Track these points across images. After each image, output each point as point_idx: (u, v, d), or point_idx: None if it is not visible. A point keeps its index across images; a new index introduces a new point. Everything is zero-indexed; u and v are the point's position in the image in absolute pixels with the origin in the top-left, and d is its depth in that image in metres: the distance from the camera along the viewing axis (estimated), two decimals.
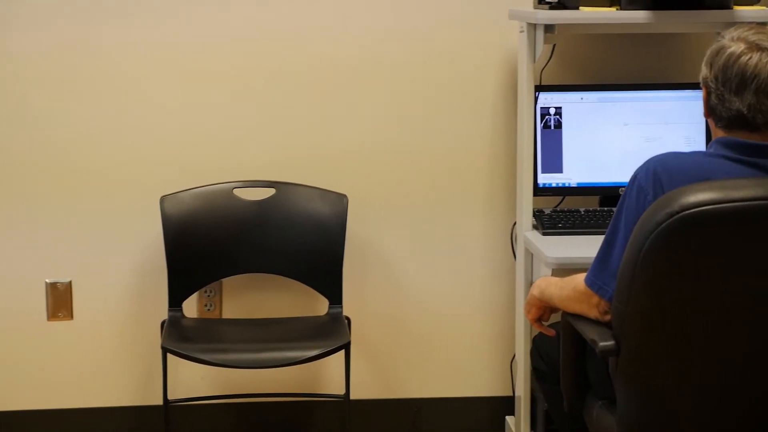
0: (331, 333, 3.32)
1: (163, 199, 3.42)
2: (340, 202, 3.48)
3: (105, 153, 3.50)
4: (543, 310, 2.66)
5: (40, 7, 3.42)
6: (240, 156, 3.54)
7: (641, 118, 3.40)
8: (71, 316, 3.57)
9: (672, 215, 2.14)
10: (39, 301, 3.55)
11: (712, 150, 2.38)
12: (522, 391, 3.42)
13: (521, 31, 3.29)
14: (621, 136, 3.41)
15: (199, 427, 3.65)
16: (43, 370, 3.58)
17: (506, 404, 3.66)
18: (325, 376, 3.67)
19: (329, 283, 3.48)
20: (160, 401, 3.33)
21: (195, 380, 3.61)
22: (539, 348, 2.93)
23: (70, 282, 3.56)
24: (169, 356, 3.23)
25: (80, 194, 3.51)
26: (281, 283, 3.57)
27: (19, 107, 3.46)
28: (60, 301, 3.56)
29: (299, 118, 3.55)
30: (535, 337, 2.99)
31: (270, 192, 3.50)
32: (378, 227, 3.62)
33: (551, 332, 2.70)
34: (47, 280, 3.55)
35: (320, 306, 3.55)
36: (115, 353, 3.60)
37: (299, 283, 3.52)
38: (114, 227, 3.53)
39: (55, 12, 3.42)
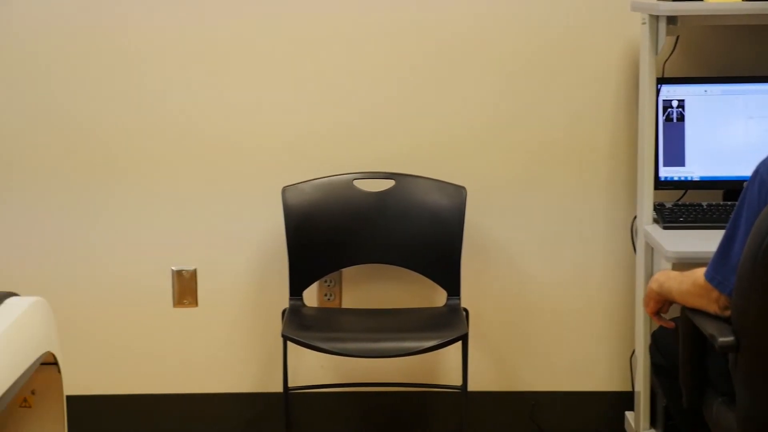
0: (449, 324, 3.34)
1: (284, 190, 3.48)
2: (458, 194, 3.49)
3: (229, 145, 3.57)
4: (662, 304, 2.64)
5: None
6: (360, 147, 3.57)
7: (766, 111, 3.34)
8: (196, 303, 3.66)
9: None
10: (165, 289, 3.64)
11: None
12: (641, 387, 3.39)
13: (643, 23, 3.26)
14: (745, 129, 3.35)
15: (317, 414, 3.70)
16: (168, 356, 3.68)
17: (625, 399, 3.63)
18: (443, 368, 3.69)
19: (447, 274, 3.50)
20: (280, 388, 3.39)
21: (314, 368, 3.66)
22: (658, 343, 2.91)
23: (195, 270, 3.64)
24: (290, 344, 3.29)
25: (205, 185, 3.59)
26: (400, 274, 3.60)
27: (146, 97, 3.55)
28: (185, 288, 3.64)
29: (418, 109, 3.57)
30: (655, 332, 2.96)
31: (389, 183, 3.54)
32: (496, 218, 3.62)
33: (671, 324, 2.67)
34: (173, 268, 3.64)
35: (438, 297, 3.57)
36: (237, 340, 3.68)
37: (418, 274, 3.54)
38: (237, 217, 3.61)
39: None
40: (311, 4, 3.52)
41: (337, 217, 3.51)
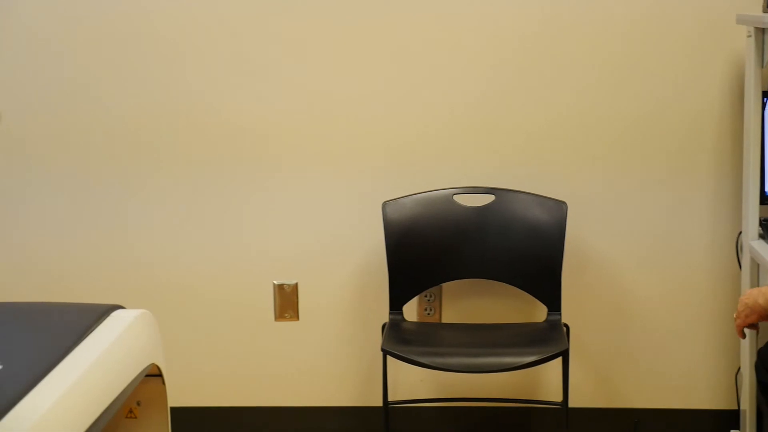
0: (550, 340, 3.32)
1: (385, 205, 3.50)
2: (559, 209, 3.47)
3: (330, 160, 3.60)
4: (762, 319, 2.59)
5: None
6: (460, 162, 3.58)
7: None
8: (297, 317, 3.69)
9: None
10: (267, 302, 3.68)
11: None
12: (747, 405, 3.33)
13: (749, 36, 3.21)
14: None
15: (417, 429, 3.70)
16: (269, 369, 3.71)
17: (731, 418, 3.57)
18: (543, 383, 3.66)
19: (548, 289, 3.48)
20: (380, 402, 3.40)
21: (414, 383, 3.67)
22: (765, 361, 2.85)
23: (297, 284, 3.68)
24: (389, 358, 3.30)
25: (307, 200, 3.62)
26: (500, 289, 3.59)
27: (248, 112, 3.60)
28: (287, 302, 3.68)
29: (518, 123, 3.56)
30: (761, 349, 2.91)
31: (489, 198, 3.53)
32: (597, 233, 3.59)
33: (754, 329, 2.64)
34: (275, 282, 3.68)
35: (539, 312, 3.55)
36: (337, 354, 3.70)
37: (518, 289, 3.53)
38: (338, 231, 3.63)
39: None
40: (411, 24, 3.53)
41: (437, 232, 3.52)
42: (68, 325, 2.30)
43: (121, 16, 3.53)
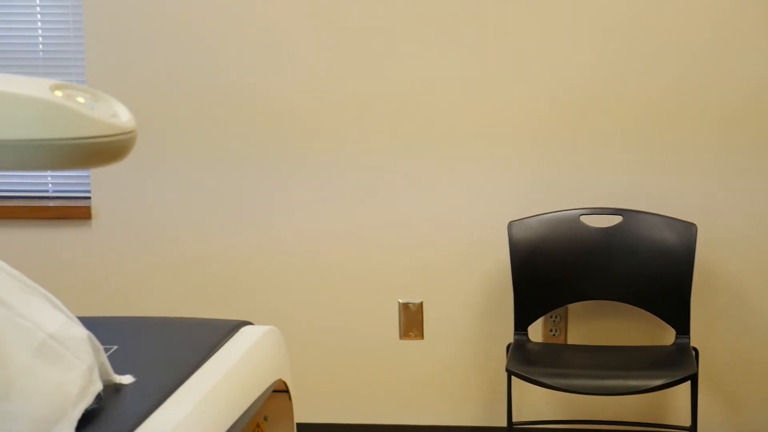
0: (678, 363, 3.27)
1: (510, 225, 3.49)
2: (688, 231, 3.41)
3: (456, 180, 3.61)
4: None
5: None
6: (587, 183, 3.55)
7: None
8: (422, 336, 3.70)
9: None
10: (392, 321, 3.71)
11: None
12: None
13: None
14: None
15: None
16: (394, 387, 3.73)
17: None
18: (670, 407, 3.60)
19: (676, 312, 3.42)
20: (504, 423, 3.39)
21: (539, 404, 3.65)
22: None
23: (422, 303, 3.69)
24: (514, 379, 3.29)
25: (432, 219, 3.63)
26: (627, 311, 3.55)
27: (379, 125, 3.63)
28: (412, 320, 3.70)
29: (646, 144, 3.52)
30: None
31: (617, 219, 3.49)
32: (726, 254, 3.52)
33: None
34: (400, 301, 3.70)
35: (666, 335, 3.50)
36: (461, 373, 3.70)
37: (645, 311, 3.48)
38: (463, 251, 3.64)
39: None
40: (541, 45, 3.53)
41: (564, 253, 3.49)
42: (198, 340, 2.35)
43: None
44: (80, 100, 1.59)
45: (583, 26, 3.49)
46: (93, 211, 3.73)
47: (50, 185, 3.87)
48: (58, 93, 1.55)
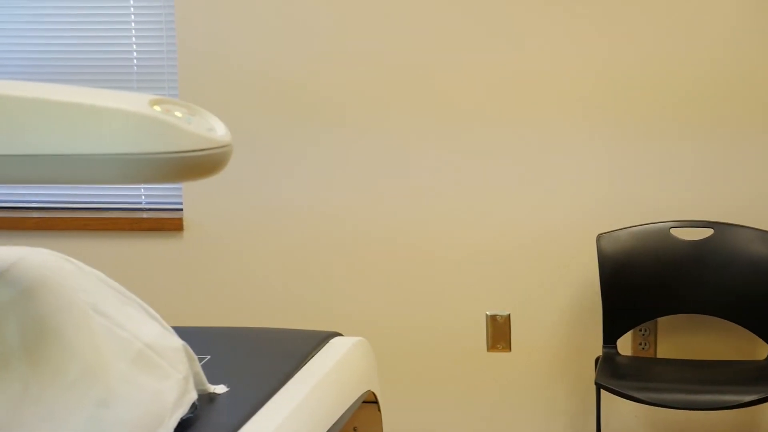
0: None
1: (599, 237, 3.47)
2: None
3: (543, 192, 3.60)
4: None
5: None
6: (677, 195, 3.52)
7: None
8: (509, 348, 3.70)
9: None
10: (480, 333, 3.70)
11: None
12: None
13: None
14: None
15: None
16: (481, 399, 3.73)
17: None
18: (762, 424, 3.54)
19: None
20: None
21: (628, 418, 3.62)
22: None
23: (509, 315, 3.68)
24: (603, 392, 3.27)
25: (519, 230, 3.63)
26: (718, 325, 3.50)
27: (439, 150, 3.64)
28: (499, 333, 3.69)
29: (738, 156, 3.47)
30: None
31: (707, 232, 3.45)
32: None
33: None
34: (488, 313, 3.70)
35: (759, 350, 3.45)
36: (549, 386, 3.69)
37: (737, 325, 3.43)
38: (551, 263, 3.62)
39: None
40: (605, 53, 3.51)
41: (653, 266, 3.46)
42: (289, 350, 2.38)
43: None
44: (178, 114, 1.62)
45: (690, 36, 3.47)
46: (185, 223, 3.79)
47: (143, 197, 3.94)
48: (157, 108, 1.59)
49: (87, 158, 1.52)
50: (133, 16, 3.84)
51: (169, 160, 1.55)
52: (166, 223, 3.83)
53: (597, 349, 3.49)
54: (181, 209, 3.82)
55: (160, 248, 3.83)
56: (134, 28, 3.86)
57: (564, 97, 3.55)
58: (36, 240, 3.80)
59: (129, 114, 1.54)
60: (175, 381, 1.85)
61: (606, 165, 3.56)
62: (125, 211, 3.93)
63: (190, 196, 3.78)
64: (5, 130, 1.52)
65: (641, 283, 3.46)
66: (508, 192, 3.62)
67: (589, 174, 3.57)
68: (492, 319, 3.69)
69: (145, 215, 3.90)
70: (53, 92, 1.59)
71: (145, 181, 1.60)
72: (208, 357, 2.22)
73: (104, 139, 1.52)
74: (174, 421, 1.81)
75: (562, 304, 3.64)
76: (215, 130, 1.67)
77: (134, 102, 1.57)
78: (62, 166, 1.52)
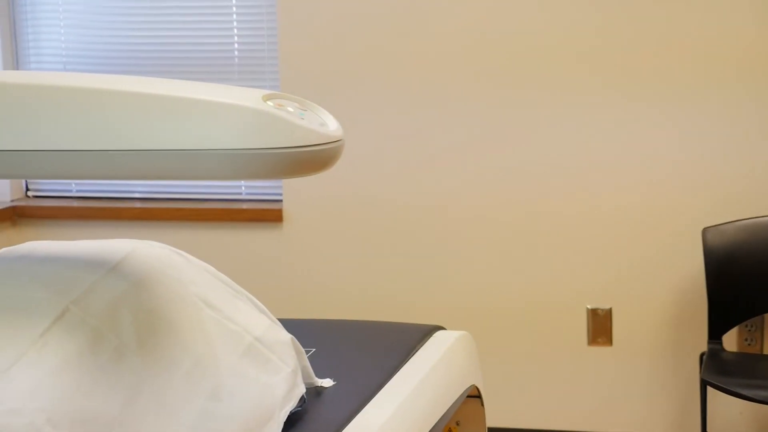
0: None
1: (705, 231, 3.40)
2: None
3: (648, 185, 3.55)
4: None
5: None
6: None
7: None
8: (610, 343, 3.65)
9: None
10: (580, 327, 3.66)
11: None
12: None
13: None
14: None
15: None
16: (581, 393, 3.69)
17: None
18: None
19: None
20: None
21: (732, 415, 3.55)
22: None
23: (610, 309, 3.64)
24: (708, 389, 3.21)
25: (622, 223, 3.58)
26: None
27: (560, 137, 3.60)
28: (600, 327, 3.65)
29: None
30: None
31: None
32: None
33: None
34: (588, 306, 3.66)
35: None
36: (651, 382, 3.63)
37: None
38: (655, 256, 3.57)
39: None
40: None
41: (761, 260, 3.39)
42: (393, 344, 2.37)
43: None
44: (290, 109, 1.62)
45: None
46: (284, 214, 3.81)
47: (243, 189, 3.97)
48: (270, 102, 1.58)
49: (199, 154, 1.52)
50: (234, 8, 3.87)
51: (282, 156, 1.54)
52: (265, 214, 3.86)
53: (701, 344, 3.43)
54: (281, 200, 3.84)
55: (260, 239, 3.85)
56: (236, 20, 3.88)
57: (677, 83, 3.49)
58: (137, 230, 3.86)
59: (243, 109, 1.54)
60: (285, 375, 1.85)
61: (713, 157, 3.49)
62: (225, 202, 3.96)
63: (290, 188, 3.80)
64: (117, 126, 1.54)
65: (749, 278, 3.39)
66: (611, 184, 3.57)
67: (696, 166, 3.50)
68: (593, 313, 3.65)
69: (245, 206, 3.93)
70: (165, 87, 1.59)
71: (257, 177, 1.60)
72: (313, 350, 2.22)
73: (217, 135, 1.53)
74: (284, 415, 1.81)
75: (665, 299, 3.58)
76: (327, 124, 1.67)
77: (247, 97, 1.57)
78: (174, 162, 1.53)
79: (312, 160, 1.59)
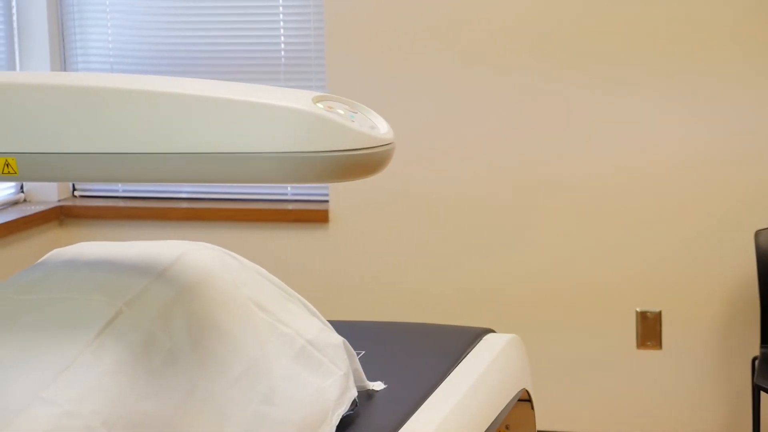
0: None
1: (758, 233, 3.35)
2: None
3: (699, 187, 3.50)
4: None
5: None
6: None
7: None
8: (660, 346, 3.60)
9: None
10: (629, 330, 3.62)
11: None
12: None
13: None
14: None
15: None
16: (630, 397, 3.64)
17: None
18: None
19: None
20: None
21: None
22: None
23: (660, 312, 3.59)
24: (762, 394, 3.17)
25: (672, 226, 3.53)
26: None
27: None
28: (649, 330, 3.61)
29: None
30: None
31: None
32: None
33: None
34: (638, 309, 3.62)
35: None
36: (701, 386, 3.58)
37: None
38: (706, 259, 3.52)
39: None
40: None
41: None
42: (443, 347, 2.36)
43: None
44: (340, 111, 1.60)
45: None
46: (330, 215, 3.80)
47: (289, 189, 3.96)
48: (320, 105, 1.57)
49: (249, 157, 1.51)
50: (281, 8, 3.86)
51: (332, 160, 1.53)
52: (311, 215, 3.85)
53: (753, 349, 3.38)
54: (327, 201, 3.83)
55: (306, 240, 3.85)
56: (282, 20, 3.88)
57: (740, 81, 3.45)
58: (183, 230, 3.86)
59: (294, 112, 1.53)
60: (337, 378, 1.84)
61: (758, 160, 3.44)
62: (271, 202, 3.95)
63: (336, 188, 3.79)
64: (167, 127, 1.53)
65: None
66: (663, 185, 3.53)
67: (750, 168, 3.45)
68: (642, 316, 3.61)
69: (290, 207, 3.92)
70: (215, 89, 1.58)
71: (307, 181, 1.58)
72: (363, 352, 2.21)
73: (268, 137, 1.51)
74: (336, 419, 1.80)
75: (716, 302, 3.53)
76: (378, 127, 1.65)
77: (298, 99, 1.55)
78: (225, 165, 1.52)
79: (363, 163, 1.57)
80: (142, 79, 1.64)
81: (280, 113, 1.53)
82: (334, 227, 3.80)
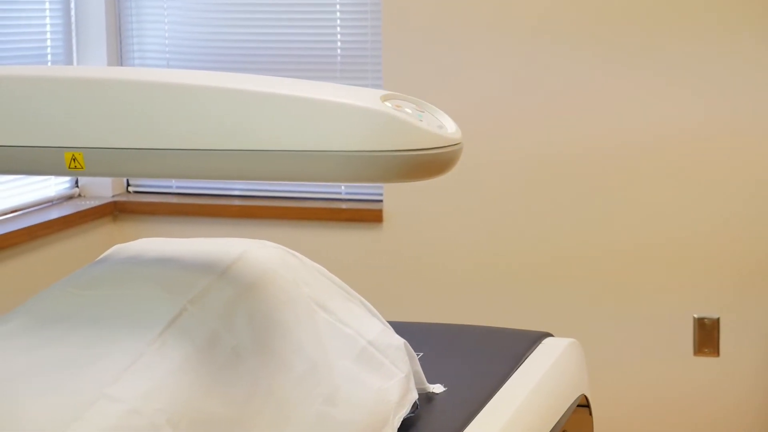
0: None
1: None
2: None
3: (759, 187, 3.45)
4: None
5: None
6: None
7: None
8: (717, 353, 3.55)
9: None
10: (686, 336, 3.57)
11: None
12: None
13: None
14: None
15: None
16: (687, 404, 3.59)
17: None
18: None
19: None
20: None
21: None
22: None
23: (718, 318, 3.54)
24: None
25: (731, 231, 3.48)
26: None
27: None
28: (707, 337, 3.55)
29: None
30: None
31: None
32: None
33: None
34: (695, 315, 3.56)
35: None
36: (760, 395, 3.53)
37: None
38: (765, 264, 3.46)
39: None
40: None
41: None
42: (502, 350, 2.34)
43: None
44: (408, 110, 1.59)
45: None
46: (385, 215, 3.78)
47: (343, 188, 3.94)
48: (388, 104, 1.55)
49: (316, 155, 1.50)
50: (338, 5, 3.85)
51: (400, 159, 1.51)
52: (365, 215, 3.83)
53: None
54: (381, 200, 3.81)
55: (359, 239, 3.83)
56: (339, 17, 3.86)
57: None
58: (236, 227, 3.86)
59: (362, 110, 1.51)
60: (398, 380, 1.82)
61: None
62: (324, 201, 3.94)
63: (391, 188, 3.77)
64: (234, 124, 1.52)
65: None
66: (721, 189, 3.48)
67: None
68: (699, 322, 3.56)
69: (344, 206, 3.90)
70: (282, 86, 1.57)
71: (373, 180, 1.57)
72: (421, 354, 2.19)
73: (336, 136, 1.50)
74: (397, 421, 1.78)
75: None
76: (445, 127, 1.64)
77: (366, 97, 1.54)
78: (290, 162, 1.50)
79: (430, 164, 1.55)
80: (208, 75, 1.63)
81: (349, 111, 1.51)
82: (388, 227, 3.78)
